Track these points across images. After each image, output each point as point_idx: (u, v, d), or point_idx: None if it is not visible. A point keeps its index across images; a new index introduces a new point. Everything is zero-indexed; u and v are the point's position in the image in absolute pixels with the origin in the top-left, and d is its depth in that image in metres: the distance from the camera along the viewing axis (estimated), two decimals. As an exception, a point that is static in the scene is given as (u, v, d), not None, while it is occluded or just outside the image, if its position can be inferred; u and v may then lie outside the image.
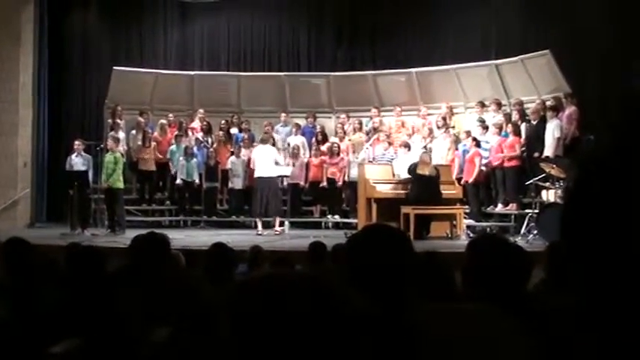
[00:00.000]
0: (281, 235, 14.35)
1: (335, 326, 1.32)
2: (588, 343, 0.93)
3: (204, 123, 17.31)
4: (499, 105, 15.77)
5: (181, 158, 16.23)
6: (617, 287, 0.86)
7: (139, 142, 16.62)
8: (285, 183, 15.94)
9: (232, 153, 16.62)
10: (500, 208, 14.83)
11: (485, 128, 15.19)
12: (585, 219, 0.88)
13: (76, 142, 15.47)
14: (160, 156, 16.69)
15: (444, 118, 16.08)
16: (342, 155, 16.29)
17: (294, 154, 16.31)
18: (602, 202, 0.87)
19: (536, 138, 14.42)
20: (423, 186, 13.47)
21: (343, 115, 17.55)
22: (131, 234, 6.09)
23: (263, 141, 15.19)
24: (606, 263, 0.86)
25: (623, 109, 0.92)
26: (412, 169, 13.68)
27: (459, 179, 14.84)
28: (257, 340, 1.32)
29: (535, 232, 12.44)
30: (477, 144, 14.86)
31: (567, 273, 0.96)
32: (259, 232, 14.52)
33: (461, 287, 3.28)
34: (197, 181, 16.36)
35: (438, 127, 15.94)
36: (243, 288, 1.40)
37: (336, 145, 16.43)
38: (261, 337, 1.32)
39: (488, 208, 15.08)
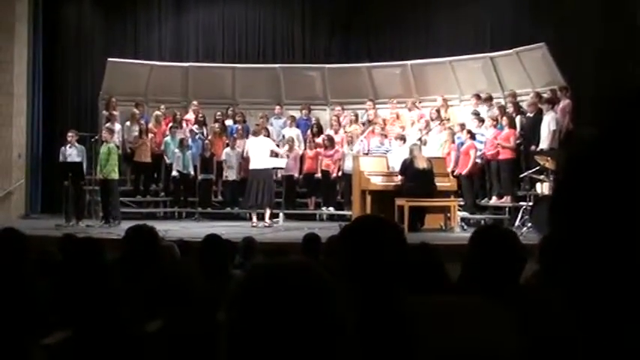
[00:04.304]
0: (272, 228, 14.35)
1: (324, 320, 1.32)
2: (575, 341, 0.94)
3: (200, 115, 17.32)
4: (490, 99, 15.78)
5: (177, 150, 16.21)
6: (607, 281, 0.86)
7: (135, 134, 16.61)
8: (279, 175, 15.94)
9: (227, 145, 16.61)
10: (494, 201, 14.85)
11: (481, 121, 15.20)
12: (574, 208, 0.88)
13: (69, 134, 15.38)
14: (155, 148, 16.68)
15: (438, 111, 16.09)
16: (336, 147, 16.27)
17: (289, 146, 16.29)
18: (591, 190, 0.87)
19: (532, 131, 14.44)
20: (418, 179, 13.48)
21: (338, 108, 17.55)
22: (126, 225, 6.10)
23: (255, 133, 15.17)
24: (596, 256, 0.86)
25: (616, 100, 0.92)
26: (408, 163, 13.66)
27: (455, 171, 14.85)
28: (255, 333, 1.33)
29: (529, 224, 12.47)
30: (472, 136, 14.87)
31: (557, 267, 0.95)
32: (254, 224, 14.52)
33: (452, 279, 3.29)
34: (192, 172, 16.36)
35: (432, 120, 15.95)
36: (245, 282, 1.41)
37: (326, 136, 16.43)
38: (258, 331, 1.33)
39: (483, 201, 15.10)
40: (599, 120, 0.92)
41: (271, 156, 14.87)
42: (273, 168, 15.07)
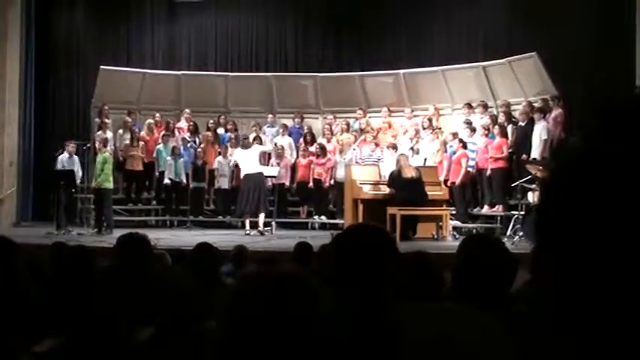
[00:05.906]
0: (264, 236, 14.33)
1: (318, 326, 1.33)
2: (567, 347, 0.94)
3: (191, 123, 17.29)
4: (485, 107, 15.80)
5: (169, 158, 16.18)
6: (595, 288, 0.87)
7: (127, 142, 16.59)
8: (270, 183, 15.92)
9: (219, 153, 16.59)
10: (486, 210, 14.86)
11: (473, 130, 15.21)
12: (561, 216, 0.89)
13: (71, 145, 15.34)
14: (146, 156, 16.65)
15: (430, 120, 16.11)
16: (329, 156, 16.26)
17: (279, 155, 16.28)
18: (578, 198, 0.88)
19: (524, 140, 14.46)
20: (408, 189, 13.47)
21: (330, 116, 17.55)
22: (118, 234, 6.10)
23: (244, 147, 15.08)
24: (584, 264, 0.87)
25: (594, 110, 0.93)
26: (396, 175, 13.66)
27: (447, 180, 14.86)
28: (247, 341, 1.33)
29: (521, 233, 12.48)
30: (464, 145, 14.89)
31: (545, 274, 0.95)
32: (247, 232, 14.50)
33: (449, 288, 3.30)
34: (184, 181, 16.33)
35: (424, 128, 15.96)
36: (237, 290, 1.41)
37: (318, 145, 16.43)
38: (249, 339, 1.33)
39: (475, 210, 15.11)
40: (586, 130, 0.92)
41: (261, 158, 14.92)
42: (266, 176, 15.06)
